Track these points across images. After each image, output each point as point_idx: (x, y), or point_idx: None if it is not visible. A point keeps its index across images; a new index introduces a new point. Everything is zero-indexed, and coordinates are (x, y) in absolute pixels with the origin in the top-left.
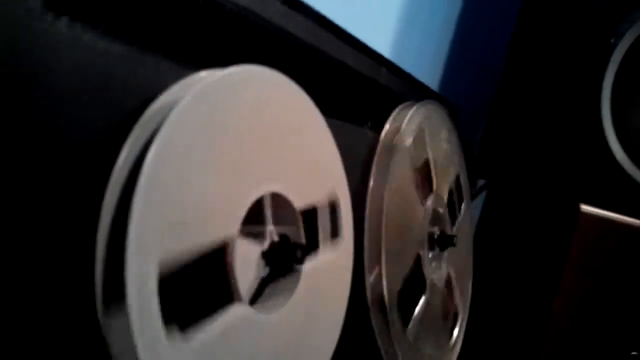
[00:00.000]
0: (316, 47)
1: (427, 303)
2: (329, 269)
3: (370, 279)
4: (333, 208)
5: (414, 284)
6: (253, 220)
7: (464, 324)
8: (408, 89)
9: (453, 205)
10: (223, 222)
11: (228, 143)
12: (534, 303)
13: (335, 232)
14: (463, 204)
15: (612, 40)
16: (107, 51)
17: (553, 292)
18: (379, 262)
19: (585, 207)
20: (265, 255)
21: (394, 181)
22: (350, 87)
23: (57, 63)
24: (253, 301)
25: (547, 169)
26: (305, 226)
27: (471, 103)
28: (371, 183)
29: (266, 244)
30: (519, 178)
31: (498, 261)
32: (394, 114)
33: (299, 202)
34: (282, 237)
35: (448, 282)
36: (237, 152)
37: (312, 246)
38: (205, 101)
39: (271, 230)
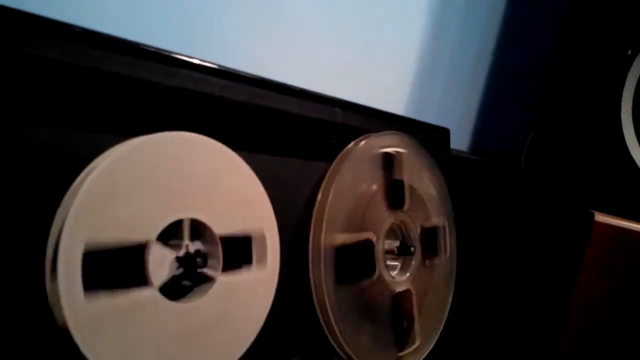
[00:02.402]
0: (252, 104)
1: (370, 287)
2: (247, 286)
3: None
4: (259, 238)
5: (360, 261)
6: (176, 236)
7: (422, 351)
8: (375, 124)
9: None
10: (143, 230)
11: (151, 181)
12: (549, 310)
13: (260, 259)
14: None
15: (629, 52)
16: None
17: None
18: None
19: (599, 216)
20: (178, 259)
21: (348, 173)
22: (296, 129)
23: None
24: (168, 294)
25: (567, 176)
26: (232, 250)
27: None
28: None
29: (182, 252)
30: (538, 186)
31: (515, 267)
32: (351, 143)
33: (220, 229)
34: (196, 250)
35: (408, 297)
36: (157, 189)
37: (233, 265)
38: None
39: (188, 245)
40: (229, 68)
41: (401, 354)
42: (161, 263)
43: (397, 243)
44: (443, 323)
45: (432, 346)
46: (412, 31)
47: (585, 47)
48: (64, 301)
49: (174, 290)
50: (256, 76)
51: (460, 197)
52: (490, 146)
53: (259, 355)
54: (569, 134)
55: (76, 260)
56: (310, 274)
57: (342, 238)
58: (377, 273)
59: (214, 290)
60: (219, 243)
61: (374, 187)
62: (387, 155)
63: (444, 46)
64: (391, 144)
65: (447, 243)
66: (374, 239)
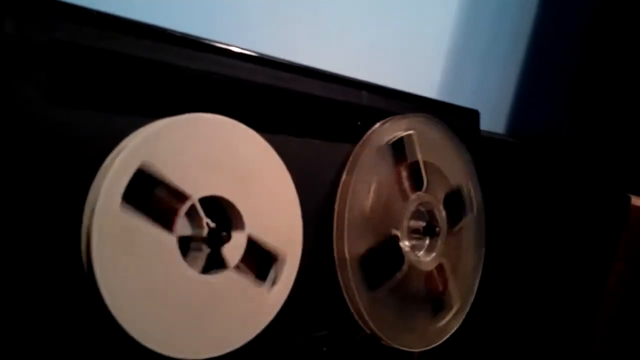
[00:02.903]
0: (279, 87)
1: (402, 279)
2: (249, 295)
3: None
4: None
5: (387, 260)
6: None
7: (460, 314)
8: (402, 106)
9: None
10: (189, 187)
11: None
12: (583, 294)
13: (274, 280)
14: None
15: None
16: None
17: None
18: (342, 232)
19: (636, 200)
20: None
21: (364, 171)
22: (322, 112)
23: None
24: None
25: (604, 159)
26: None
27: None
28: (343, 175)
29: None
30: (575, 169)
31: (550, 250)
32: (375, 126)
33: (252, 229)
34: (224, 229)
35: (440, 270)
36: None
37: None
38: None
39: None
40: (254, 52)
41: (441, 323)
42: (191, 223)
43: (423, 223)
44: (478, 279)
45: (468, 308)
46: (446, 13)
47: (624, 28)
48: (101, 202)
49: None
50: (282, 60)
51: (494, 179)
52: (527, 129)
53: (283, 328)
54: (608, 117)
55: (126, 172)
56: (341, 283)
57: (366, 244)
58: (406, 264)
59: (220, 277)
60: (246, 240)
61: (392, 175)
62: (398, 142)
63: (480, 28)
64: (405, 127)
65: (473, 200)
66: (399, 233)
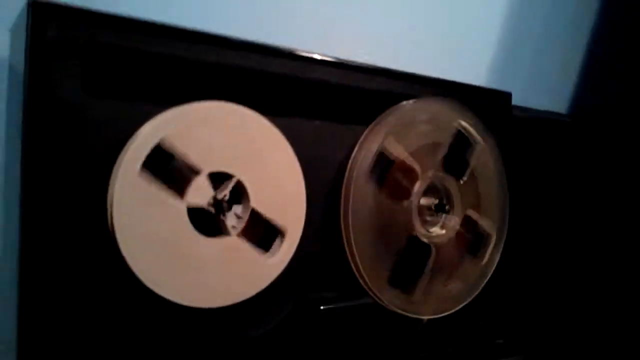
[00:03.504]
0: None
1: (434, 262)
2: (251, 262)
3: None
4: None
5: (414, 253)
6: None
7: (499, 244)
8: (424, 90)
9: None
10: (201, 162)
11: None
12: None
13: (274, 252)
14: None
15: None
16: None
17: None
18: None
19: None
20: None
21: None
22: (338, 98)
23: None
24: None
25: None
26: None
27: None
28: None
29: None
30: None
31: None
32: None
33: (256, 203)
34: (226, 198)
35: (468, 221)
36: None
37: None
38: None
39: (226, 195)
40: (262, 43)
41: (484, 260)
42: (200, 193)
43: (435, 200)
44: (508, 207)
45: (505, 237)
46: None
47: None
48: (122, 168)
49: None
50: (295, 49)
51: (542, 158)
52: (590, 110)
53: (284, 290)
54: None
55: (147, 145)
56: (343, 232)
57: (394, 147)
58: (432, 252)
59: (223, 241)
60: (249, 211)
61: (439, 140)
62: (465, 131)
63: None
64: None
65: (474, 135)
66: (418, 171)
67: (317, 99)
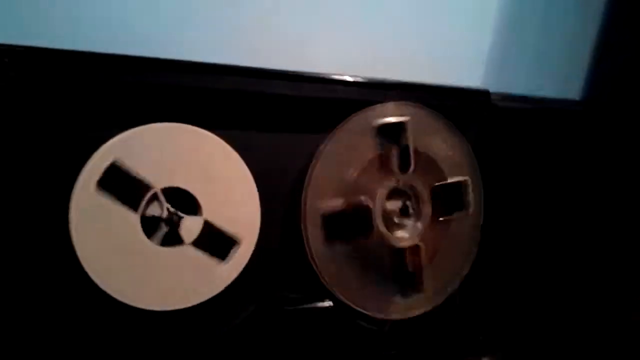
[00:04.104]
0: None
1: (368, 244)
2: (204, 266)
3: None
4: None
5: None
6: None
7: (429, 302)
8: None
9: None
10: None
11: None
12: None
13: (229, 259)
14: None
15: None
16: None
17: None
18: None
19: None
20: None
21: (345, 142)
22: (295, 108)
23: None
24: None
25: None
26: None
27: None
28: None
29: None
30: None
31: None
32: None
33: (209, 215)
34: (176, 212)
35: (414, 251)
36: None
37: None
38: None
39: (171, 210)
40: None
41: (407, 301)
42: (153, 207)
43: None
44: (462, 276)
45: (442, 300)
46: None
47: None
48: (79, 185)
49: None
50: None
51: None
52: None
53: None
54: None
55: (103, 164)
56: (305, 239)
57: (332, 203)
58: (375, 234)
59: (176, 250)
60: (202, 223)
61: (376, 154)
62: (387, 126)
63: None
64: (394, 113)
65: (470, 199)
66: (369, 202)
67: (272, 112)
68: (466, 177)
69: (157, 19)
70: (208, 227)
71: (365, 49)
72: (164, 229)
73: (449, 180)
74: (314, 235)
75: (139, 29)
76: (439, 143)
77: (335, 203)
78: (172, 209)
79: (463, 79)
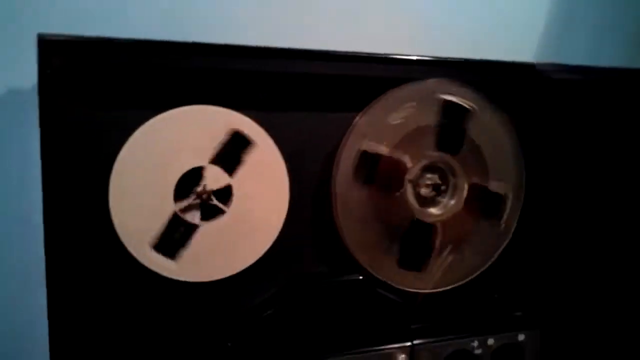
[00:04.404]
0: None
1: (443, 237)
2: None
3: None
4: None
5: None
6: None
7: (517, 200)
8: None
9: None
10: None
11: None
12: None
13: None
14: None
15: None
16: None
17: None
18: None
19: None
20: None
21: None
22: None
23: None
24: None
25: None
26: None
27: None
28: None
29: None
30: None
31: None
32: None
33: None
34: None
35: (474, 188)
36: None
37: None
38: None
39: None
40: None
41: (503, 218)
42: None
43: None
44: (466, 278)
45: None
46: None
47: None
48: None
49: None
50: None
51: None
52: None
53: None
54: None
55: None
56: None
57: (375, 147)
58: (401, 192)
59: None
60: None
61: (425, 123)
62: (452, 104)
63: None
64: (458, 93)
65: (505, 213)
66: (407, 161)
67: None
68: (507, 189)
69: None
70: (239, 202)
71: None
72: (192, 198)
73: (490, 188)
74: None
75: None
76: (494, 141)
77: (378, 147)
78: (208, 188)
79: (516, 52)
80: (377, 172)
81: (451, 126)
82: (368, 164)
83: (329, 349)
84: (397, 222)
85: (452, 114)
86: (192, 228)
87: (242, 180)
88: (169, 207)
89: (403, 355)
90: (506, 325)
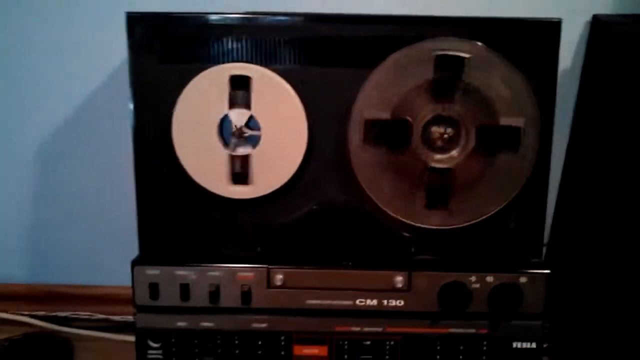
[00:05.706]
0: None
1: (461, 177)
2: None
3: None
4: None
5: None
6: None
7: (533, 128)
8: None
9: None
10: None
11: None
12: None
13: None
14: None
15: None
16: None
17: None
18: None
19: None
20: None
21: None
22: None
23: None
24: None
25: None
26: None
27: None
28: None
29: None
30: None
31: None
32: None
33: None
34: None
35: (484, 128)
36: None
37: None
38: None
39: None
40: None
41: (522, 149)
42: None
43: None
44: (491, 211)
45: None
46: None
47: None
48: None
49: None
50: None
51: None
52: None
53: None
54: None
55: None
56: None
57: (377, 113)
58: (412, 146)
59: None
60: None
61: (424, 79)
62: (446, 57)
63: None
64: (454, 47)
65: (521, 146)
66: (410, 119)
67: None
68: (521, 122)
69: None
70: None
71: None
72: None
73: (501, 123)
74: (355, 140)
75: None
76: (497, 81)
77: (380, 113)
78: (239, 125)
79: None
80: (384, 135)
81: (451, 77)
82: (374, 130)
83: (335, 262)
84: (415, 174)
85: (447, 66)
86: (247, 158)
87: (260, 109)
88: (220, 150)
89: (400, 278)
90: (511, 266)
